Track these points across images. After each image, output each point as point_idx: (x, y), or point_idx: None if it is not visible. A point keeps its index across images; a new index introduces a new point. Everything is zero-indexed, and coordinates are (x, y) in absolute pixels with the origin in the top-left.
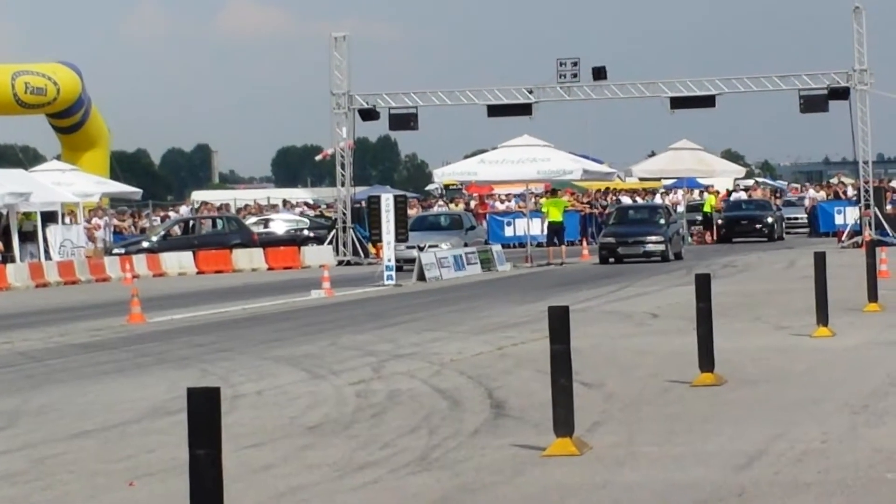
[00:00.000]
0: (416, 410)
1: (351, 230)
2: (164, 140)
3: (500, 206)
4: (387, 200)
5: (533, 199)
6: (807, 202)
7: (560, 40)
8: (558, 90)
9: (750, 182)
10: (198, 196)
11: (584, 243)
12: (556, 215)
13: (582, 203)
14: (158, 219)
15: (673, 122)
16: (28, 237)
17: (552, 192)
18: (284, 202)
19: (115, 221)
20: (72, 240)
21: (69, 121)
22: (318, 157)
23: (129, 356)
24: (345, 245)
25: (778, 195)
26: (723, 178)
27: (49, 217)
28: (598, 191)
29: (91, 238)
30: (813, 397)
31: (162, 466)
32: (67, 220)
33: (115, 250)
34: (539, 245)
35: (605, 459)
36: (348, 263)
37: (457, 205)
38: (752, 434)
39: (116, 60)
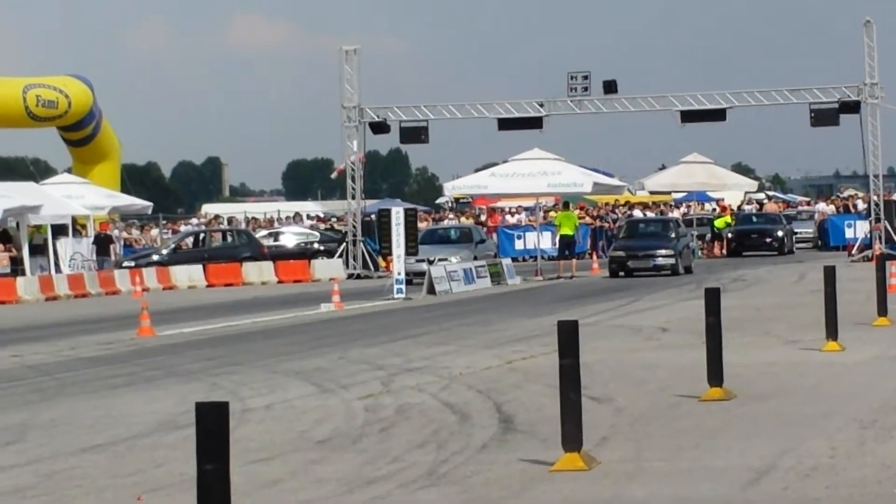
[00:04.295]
0: (425, 425)
1: (361, 243)
2: (175, 153)
3: (511, 220)
4: (397, 214)
5: (542, 213)
6: (816, 216)
7: (571, 54)
8: (569, 104)
9: (762, 195)
10: (208, 209)
11: (595, 257)
12: (568, 229)
13: (592, 217)
14: (170, 232)
15: (683, 135)
16: (38, 250)
17: (565, 205)
18: (297, 215)
19: (125, 234)
20: (82, 253)
21: (80, 134)
22: (333, 175)
23: (138, 370)
24: (355, 258)
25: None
26: (734, 191)
27: (59, 230)
28: (607, 204)
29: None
30: (822, 412)
31: (170, 481)
32: (78, 233)
33: (126, 263)
34: (550, 258)
35: (614, 474)
36: (358, 277)
37: (467, 218)
38: (760, 449)
39: (127, 73)
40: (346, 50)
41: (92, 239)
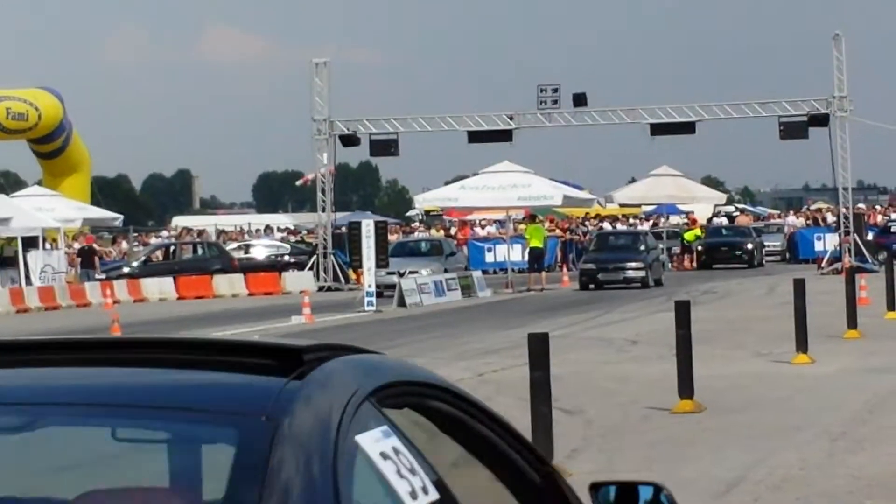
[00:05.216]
0: None
1: (332, 256)
2: (145, 165)
3: (482, 232)
4: (367, 226)
5: (513, 226)
6: (786, 229)
7: (541, 67)
8: (539, 116)
9: (731, 208)
10: (179, 222)
11: (565, 269)
12: (537, 241)
13: (562, 230)
14: (140, 245)
15: (653, 148)
16: (9, 262)
17: (531, 218)
18: (267, 227)
19: (96, 247)
20: (53, 265)
21: (50, 146)
22: (298, 182)
23: None
24: (325, 271)
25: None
26: (703, 204)
27: (30, 242)
28: (575, 217)
29: (71, 263)
30: (792, 424)
31: None
32: (48, 245)
33: (96, 276)
34: (520, 271)
35: (585, 487)
36: (329, 289)
37: (437, 230)
38: (731, 461)
39: (98, 85)
40: (316, 62)
41: (69, 251)
